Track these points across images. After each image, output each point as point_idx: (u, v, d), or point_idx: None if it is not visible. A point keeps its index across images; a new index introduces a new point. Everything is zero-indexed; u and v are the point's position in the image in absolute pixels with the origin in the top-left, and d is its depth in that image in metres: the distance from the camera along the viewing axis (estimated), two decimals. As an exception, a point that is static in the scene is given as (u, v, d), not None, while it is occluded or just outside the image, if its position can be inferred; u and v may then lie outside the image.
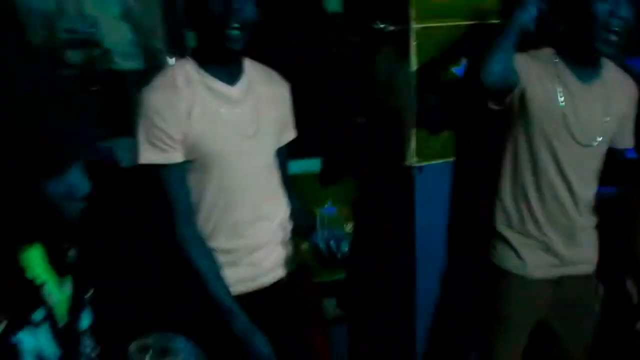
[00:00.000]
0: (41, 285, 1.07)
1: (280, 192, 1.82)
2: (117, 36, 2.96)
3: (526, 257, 1.95)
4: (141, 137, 1.59)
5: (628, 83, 1.97)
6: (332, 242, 1.65)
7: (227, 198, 1.67)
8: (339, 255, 1.66)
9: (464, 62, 2.19)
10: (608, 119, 1.88)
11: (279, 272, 1.81)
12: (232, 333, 1.60)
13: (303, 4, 2.66)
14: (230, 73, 1.67)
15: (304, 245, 1.84)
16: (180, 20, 3.33)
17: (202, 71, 1.64)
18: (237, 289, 1.72)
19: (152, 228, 1.78)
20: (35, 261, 1.07)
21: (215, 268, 1.67)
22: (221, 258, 1.70)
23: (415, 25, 2.12)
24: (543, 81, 1.85)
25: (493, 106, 1.88)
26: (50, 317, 1.07)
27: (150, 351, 1.12)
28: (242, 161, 1.67)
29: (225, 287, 1.67)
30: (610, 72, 1.93)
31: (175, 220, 1.63)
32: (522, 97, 1.86)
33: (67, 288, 1.14)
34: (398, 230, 2.33)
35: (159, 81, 1.63)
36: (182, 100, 1.59)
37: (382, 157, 2.38)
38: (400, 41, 2.16)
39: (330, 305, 2.53)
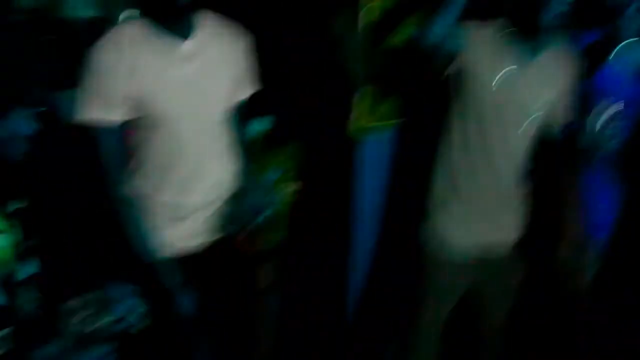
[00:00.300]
0: None
1: (226, 152, 1.81)
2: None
3: (454, 231, 1.99)
4: (83, 94, 1.60)
5: (568, 62, 1.97)
6: (249, 208, 1.65)
7: (171, 156, 1.68)
8: (248, 226, 1.67)
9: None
10: (546, 96, 1.90)
11: (221, 233, 1.82)
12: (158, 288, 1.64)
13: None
14: (181, 30, 1.65)
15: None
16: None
17: (152, 29, 1.62)
18: (177, 245, 1.75)
19: (94, 181, 1.79)
20: None
21: (143, 224, 1.69)
22: (165, 213, 1.73)
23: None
24: (485, 54, 1.85)
25: (434, 73, 1.88)
26: None
27: (80, 312, 1.14)
28: (186, 120, 1.66)
29: (151, 244, 1.69)
30: (553, 51, 1.93)
31: (110, 176, 1.66)
32: (462, 68, 1.86)
33: (13, 234, 1.16)
34: (337, 198, 2.38)
35: (104, 40, 1.61)
36: (126, 59, 1.58)
37: (329, 123, 2.42)
38: (353, 9, 2.18)
39: (266, 271, 2.57)
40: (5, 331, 1.12)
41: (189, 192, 1.71)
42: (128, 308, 1.25)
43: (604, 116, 1.71)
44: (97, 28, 2.70)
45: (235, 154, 1.84)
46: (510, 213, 2.03)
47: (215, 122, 1.75)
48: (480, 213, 1.98)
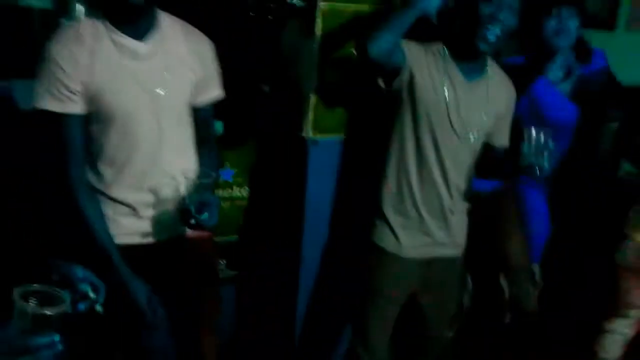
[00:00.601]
0: None
1: (188, 149, 1.83)
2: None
3: (402, 236, 2.05)
4: (41, 84, 1.61)
5: (508, 84, 2.09)
6: (191, 206, 1.64)
7: (129, 151, 1.71)
8: (192, 221, 1.66)
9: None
10: (485, 117, 2.00)
11: (177, 229, 1.83)
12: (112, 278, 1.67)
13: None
14: (139, 28, 1.66)
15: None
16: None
17: (110, 26, 1.63)
18: (134, 239, 1.79)
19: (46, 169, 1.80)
20: None
21: (100, 214, 1.73)
22: (121, 208, 1.76)
23: (322, 4, 2.17)
24: (431, 71, 1.95)
25: (382, 85, 1.95)
26: None
27: (34, 297, 1.14)
28: (145, 116, 1.68)
29: (107, 234, 1.73)
30: (494, 72, 2.05)
31: (67, 165, 1.68)
32: (410, 83, 1.94)
33: None
34: (289, 199, 2.43)
35: (64, 32, 1.64)
36: (85, 52, 1.60)
37: (281, 126, 2.46)
38: (307, 17, 2.23)
39: (221, 266, 2.61)
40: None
41: (143, 188, 1.74)
42: (90, 286, 1.25)
43: (535, 141, 1.80)
44: (51, 19, 2.70)
45: (195, 152, 1.85)
46: (457, 215, 2.10)
47: (177, 119, 1.77)
48: (431, 215, 2.05)
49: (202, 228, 1.73)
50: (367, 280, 2.14)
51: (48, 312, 1.10)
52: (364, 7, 2.25)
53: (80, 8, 2.80)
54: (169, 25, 1.72)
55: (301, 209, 2.38)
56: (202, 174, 1.73)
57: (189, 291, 1.94)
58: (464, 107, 1.97)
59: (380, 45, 1.81)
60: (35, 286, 1.13)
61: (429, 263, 2.10)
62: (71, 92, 1.61)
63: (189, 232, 1.85)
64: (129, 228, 1.77)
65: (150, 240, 1.80)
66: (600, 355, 2.30)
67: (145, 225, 1.78)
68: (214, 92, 1.85)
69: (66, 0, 2.89)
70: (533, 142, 1.80)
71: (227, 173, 2.56)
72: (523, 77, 2.26)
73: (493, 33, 1.86)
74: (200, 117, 1.84)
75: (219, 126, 2.52)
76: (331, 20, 2.20)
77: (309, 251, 2.45)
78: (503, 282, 2.54)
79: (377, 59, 1.82)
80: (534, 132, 1.80)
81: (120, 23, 1.64)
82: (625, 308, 2.23)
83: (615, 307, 2.26)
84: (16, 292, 1.09)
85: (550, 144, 1.81)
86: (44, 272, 1.18)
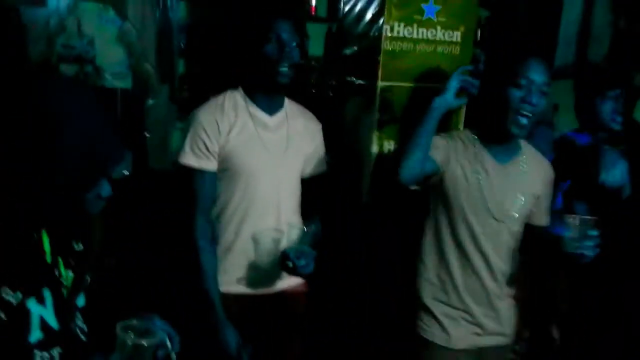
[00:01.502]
0: (51, 266, 1.31)
1: (296, 211, 2.08)
2: (110, 56, 3.23)
3: (449, 327, 2.02)
4: (186, 143, 1.93)
5: (544, 165, 2.08)
6: (291, 253, 1.84)
7: (249, 205, 1.96)
8: (289, 264, 1.84)
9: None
10: (522, 197, 1.99)
11: (283, 284, 2.07)
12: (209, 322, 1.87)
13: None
14: (271, 105, 2.00)
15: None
16: (172, 49, 3.62)
17: (248, 100, 1.97)
18: (240, 290, 2.02)
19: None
20: (46, 245, 1.31)
21: (214, 263, 1.98)
22: (238, 259, 1.99)
23: (381, 83, 2.41)
24: (461, 161, 1.97)
25: (414, 187, 2.00)
26: (55, 294, 1.30)
27: (133, 330, 1.32)
28: (266, 176, 1.96)
29: (215, 282, 1.97)
30: (527, 154, 2.05)
31: (194, 214, 1.95)
32: (442, 179, 1.98)
33: (71, 273, 1.38)
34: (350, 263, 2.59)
35: (210, 103, 1.98)
36: (225, 120, 1.91)
37: (344, 192, 2.67)
38: (368, 94, 2.49)
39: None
40: (57, 350, 1.30)
41: (259, 241, 1.98)
42: (167, 335, 1.41)
43: (577, 226, 1.81)
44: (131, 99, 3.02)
45: (302, 216, 2.09)
46: (504, 301, 2.08)
47: (290, 183, 2.05)
48: (476, 303, 2.03)
49: (298, 274, 1.93)
50: None
51: (145, 343, 1.28)
52: (419, 84, 2.48)
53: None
54: (291, 106, 2.08)
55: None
56: (303, 227, 1.95)
57: (278, 347, 2.13)
58: (499, 190, 1.97)
59: (410, 167, 1.88)
60: (134, 321, 1.30)
61: (479, 353, 2.07)
62: (210, 151, 1.93)
63: (287, 285, 2.06)
64: (243, 278, 2.02)
65: (256, 292, 2.03)
66: None
67: (253, 276, 2.01)
68: (319, 167, 2.13)
69: (147, 80, 3.23)
70: (576, 230, 1.82)
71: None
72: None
73: (525, 117, 1.87)
74: (309, 188, 2.11)
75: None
76: (389, 96, 2.44)
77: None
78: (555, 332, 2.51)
79: (410, 181, 1.91)
80: (577, 220, 1.83)
81: (257, 99, 1.98)
82: None
83: None
84: (118, 326, 1.28)
85: (593, 232, 1.82)
86: (127, 319, 1.32)
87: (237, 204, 1.97)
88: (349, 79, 2.60)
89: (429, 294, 2.06)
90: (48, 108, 1.15)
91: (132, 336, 1.27)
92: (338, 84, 2.75)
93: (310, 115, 2.14)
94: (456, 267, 2.01)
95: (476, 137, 2.02)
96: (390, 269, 2.57)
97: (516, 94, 1.88)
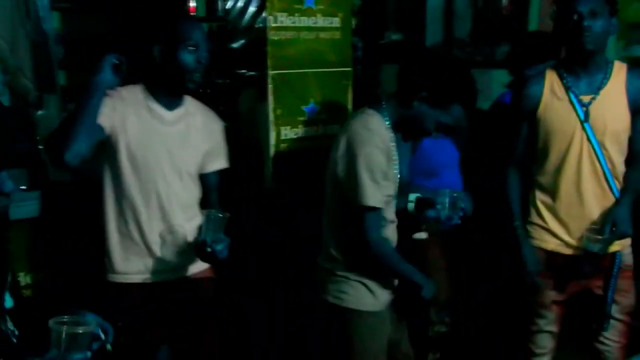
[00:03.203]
0: None
1: (194, 203, 2.13)
2: (-17, 74, 3.11)
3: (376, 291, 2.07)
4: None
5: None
6: (207, 240, 1.89)
7: (146, 195, 1.99)
8: (208, 249, 1.90)
9: (311, 101, 2.71)
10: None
11: (185, 271, 2.12)
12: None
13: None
14: (171, 102, 2.03)
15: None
16: (51, 60, 3.54)
17: (148, 95, 2.00)
18: (144, 278, 2.04)
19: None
20: None
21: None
22: (135, 247, 2.01)
23: (271, 72, 2.55)
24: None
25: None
26: None
27: (66, 324, 1.34)
28: (163, 168, 2.00)
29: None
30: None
31: None
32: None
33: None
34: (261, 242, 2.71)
35: (110, 92, 1.94)
36: (123, 105, 1.95)
37: (246, 180, 2.77)
38: (260, 84, 2.60)
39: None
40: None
41: (152, 229, 2.02)
42: (100, 328, 1.45)
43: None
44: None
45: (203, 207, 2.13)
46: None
47: (186, 177, 2.07)
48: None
49: (215, 260, 1.99)
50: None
51: (80, 330, 1.32)
52: (306, 69, 2.63)
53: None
54: (192, 104, 2.11)
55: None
56: (216, 213, 1.99)
57: (194, 331, 2.14)
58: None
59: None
60: (65, 317, 1.34)
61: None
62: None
63: (194, 271, 2.12)
64: (144, 266, 2.04)
65: (159, 279, 2.06)
66: (536, 351, 2.30)
67: (161, 266, 2.05)
68: (219, 163, 2.18)
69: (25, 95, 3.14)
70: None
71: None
72: None
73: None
74: (208, 182, 2.15)
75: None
76: (280, 84, 2.57)
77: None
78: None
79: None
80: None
81: (157, 95, 2.01)
82: (538, 308, 2.29)
83: (530, 309, 2.30)
84: (51, 321, 1.31)
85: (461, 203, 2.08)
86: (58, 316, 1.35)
87: (133, 194, 2.00)
88: (239, 72, 2.70)
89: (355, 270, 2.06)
90: None
91: (66, 327, 1.30)
92: (229, 78, 2.83)
93: (211, 113, 2.18)
94: None
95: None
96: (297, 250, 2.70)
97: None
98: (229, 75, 2.85)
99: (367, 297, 2.06)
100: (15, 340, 1.39)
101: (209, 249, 1.92)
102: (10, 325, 1.40)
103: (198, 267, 2.14)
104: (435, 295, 2.13)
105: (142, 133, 1.97)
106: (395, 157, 2.04)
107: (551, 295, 2.26)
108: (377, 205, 1.96)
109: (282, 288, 2.72)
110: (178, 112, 2.05)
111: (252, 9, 2.53)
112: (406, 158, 2.16)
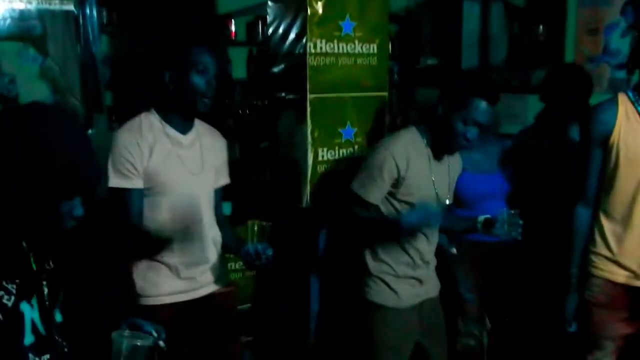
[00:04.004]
0: (36, 273, 1.38)
1: (214, 219, 2.20)
2: (34, 93, 3.27)
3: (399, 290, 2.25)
4: (111, 167, 2.01)
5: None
6: (259, 247, 1.93)
7: (174, 219, 2.05)
8: (263, 258, 1.94)
9: (348, 124, 2.79)
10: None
11: (211, 287, 2.18)
12: None
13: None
14: (184, 125, 2.10)
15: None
16: (98, 81, 3.69)
17: (163, 121, 2.07)
18: (174, 298, 2.10)
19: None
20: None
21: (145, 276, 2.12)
22: (164, 270, 2.08)
23: (310, 96, 2.65)
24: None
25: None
26: (40, 301, 1.37)
27: (126, 337, 1.41)
28: (186, 191, 2.07)
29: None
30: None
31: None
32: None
33: (46, 288, 1.45)
34: (297, 263, 2.77)
35: (127, 126, 2.05)
36: (145, 141, 2.02)
37: (284, 200, 2.86)
38: (299, 107, 2.71)
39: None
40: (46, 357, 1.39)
41: (187, 252, 2.10)
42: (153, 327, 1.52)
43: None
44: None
45: (221, 223, 2.23)
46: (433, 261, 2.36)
47: (208, 195, 2.16)
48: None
49: (262, 267, 2.03)
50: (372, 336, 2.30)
51: (139, 343, 1.40)
52: (344, 94, 2.71)
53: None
54: (200, 125, 2.19)
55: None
56: (260, 223, 2.04)
57: (218, 345, 2.22)
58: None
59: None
60: (126, 330, 1.44)
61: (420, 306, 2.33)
62: (136, 170, 2.01)
63: (219, 286, 2.20)
64: (172, 287, 2.10)
65: (187, 298, 2.13)
66: None
67: (187, 286, 2.13)
68: (225, 178, 2.28)
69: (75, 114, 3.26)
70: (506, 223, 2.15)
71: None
72: None
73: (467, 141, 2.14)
74: (216, 197, 2.24)
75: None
76: (318, 107, 2.65)
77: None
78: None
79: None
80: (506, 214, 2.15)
81: (171, 120, 2.08)
82: (600, 340, 2.21)
83: (590, 340, 2.24)
84: (113, 334, 1.41)
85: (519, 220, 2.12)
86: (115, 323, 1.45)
87: (163, 220, 2.06)
88: (278, 95, 2.79)
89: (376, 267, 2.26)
90: (33, 134, 1.25)
91: (127, 340, 1.39)
92: (268, 101, 2.92)
93: (216, 132, 2.26)
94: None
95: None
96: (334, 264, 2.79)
97: (459, 126, 2.10)
98: (269, 98, 2.94)
99: (388, 293, 2.26)
100: (66, 350, 1.46)
101: (264, 257, 1.98)
102: (59, 338, 1.46)
103: (222, 281, 2.22)
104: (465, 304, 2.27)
105: (165, 160, 2.06)
106: (427, 170, 2.22)
107: (618, 328, 2.17)
108: (360, 194, 2.19)
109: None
110: (191, 134, 2.13)
111: (292, 35, 2.62)
112: (444, 179, 2.29)
